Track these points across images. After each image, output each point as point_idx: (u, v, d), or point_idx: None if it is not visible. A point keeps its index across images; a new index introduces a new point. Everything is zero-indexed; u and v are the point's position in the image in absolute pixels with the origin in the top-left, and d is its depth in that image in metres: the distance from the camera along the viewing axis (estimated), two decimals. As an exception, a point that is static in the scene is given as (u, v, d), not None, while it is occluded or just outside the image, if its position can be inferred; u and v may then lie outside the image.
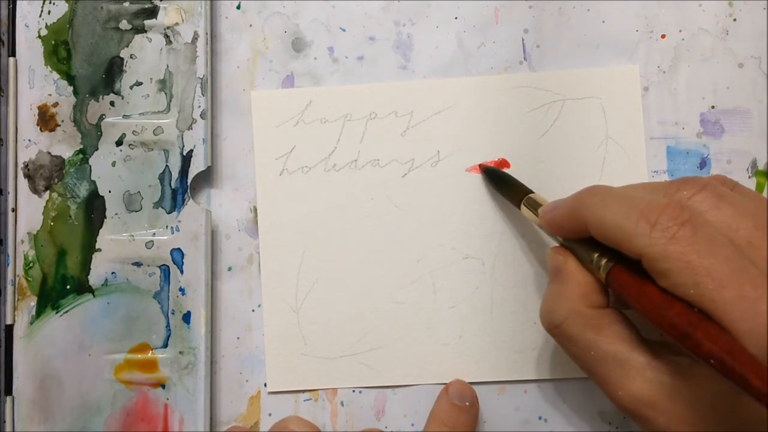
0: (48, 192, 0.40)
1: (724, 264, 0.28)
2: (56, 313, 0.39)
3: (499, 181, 0.39)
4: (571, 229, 0.34)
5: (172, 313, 0.39)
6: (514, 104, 0.40)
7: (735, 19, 0.40)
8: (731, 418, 0.30)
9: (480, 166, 0.40)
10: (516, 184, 0.39)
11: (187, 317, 0.39)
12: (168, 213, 0.40)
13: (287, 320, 0.40)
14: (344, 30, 0.41)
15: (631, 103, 0.40)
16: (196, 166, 0.40)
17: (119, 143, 0.40)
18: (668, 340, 0.31)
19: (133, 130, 0.40)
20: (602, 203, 0.32)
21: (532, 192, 0.37)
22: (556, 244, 0.35)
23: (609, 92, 0.40)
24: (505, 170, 0.40)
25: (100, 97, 0.40)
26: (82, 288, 0.40)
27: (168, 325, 0.39)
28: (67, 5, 0.40)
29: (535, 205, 0.36)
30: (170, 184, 0.40)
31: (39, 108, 0.40)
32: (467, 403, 0.38)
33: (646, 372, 0.31)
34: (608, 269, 0.32)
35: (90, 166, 0.40)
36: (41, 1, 0.41)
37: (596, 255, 0.33)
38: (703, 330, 0.27)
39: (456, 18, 0.41)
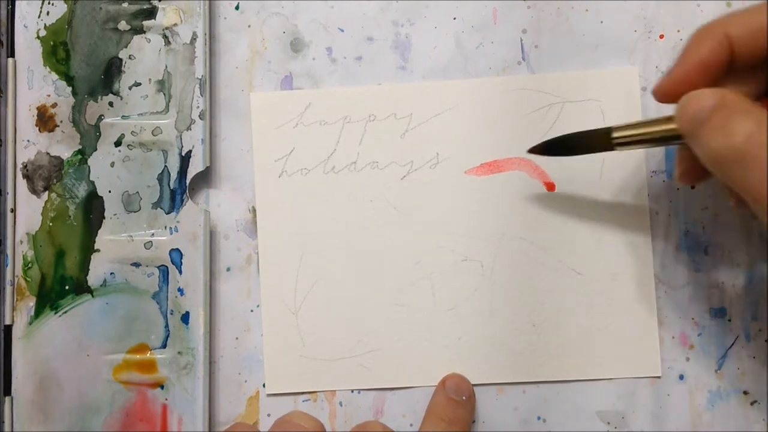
0: (47, 192, 0.40)
1: None
2: (55, 313, 0.39)
3: (567, 146, 0.37)
4: (707, 64, 0.32)
5: (171, 314, 0.39)
6: (514, 106, 0.40)
7: (733, 20, 0.40)
8: None
9: (536, 148, 0.38)
10: (590, 135, 0.36)
11: (185, 317, 0.39)
12: (167, 213, 0.40)
13: (286, 322, 0.40)
14: (343, 30, 0.41)
15: (631, 106, 0.40)
16: (195, 167, 0.40)
17: (118, 144, 0.40)
18: None
19: (132, 131, 0.40)
20: (732, 13, 0.30)
21: (611, 127, 0.35)
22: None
23: (608, 94, 0.40)
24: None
25: (99, 97, 0.40)
26: (81, 288, 0.40)
27: (167, 326, 0.39)
28: (65, 6, 0.40)
29: (625, 132, 0.34)
30: (169, 184, 0.40)
31: (38, 108, 0.40)
32: (464, 397, 0.38)
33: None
34: None
35: (89, 167, 0.40)
36: (40, 2, 0.41)
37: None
38: None
39: (454, 18, 0.41)
